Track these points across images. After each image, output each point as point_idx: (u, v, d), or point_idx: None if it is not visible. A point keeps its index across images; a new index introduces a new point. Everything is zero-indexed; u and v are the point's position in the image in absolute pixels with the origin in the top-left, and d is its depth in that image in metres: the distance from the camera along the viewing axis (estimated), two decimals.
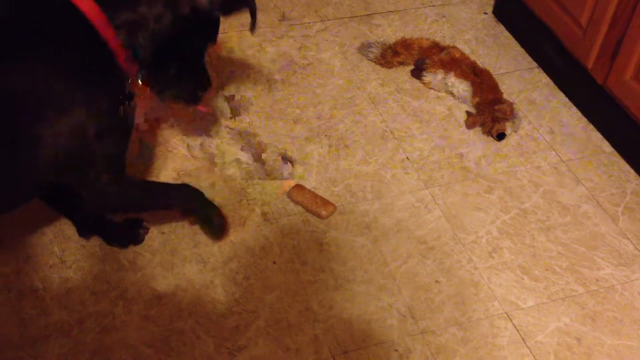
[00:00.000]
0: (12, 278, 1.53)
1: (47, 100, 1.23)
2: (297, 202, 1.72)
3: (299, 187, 1.74)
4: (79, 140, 1.28)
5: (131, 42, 1.32)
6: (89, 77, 1.29)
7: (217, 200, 1.71)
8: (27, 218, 1.63)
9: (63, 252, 1.59)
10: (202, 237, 1.64)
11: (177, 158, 1.82)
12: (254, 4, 1.48)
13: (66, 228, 1.63)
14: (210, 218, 1.61)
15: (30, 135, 1.22)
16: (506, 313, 1.56)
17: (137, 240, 1.62)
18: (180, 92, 1.53)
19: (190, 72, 1.51)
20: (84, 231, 1.62)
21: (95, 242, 1.61)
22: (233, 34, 2.20)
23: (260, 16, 2.27)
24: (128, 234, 1.62)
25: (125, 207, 1.55)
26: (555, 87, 2.14)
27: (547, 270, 1.65)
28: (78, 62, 1.27)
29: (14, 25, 1.23)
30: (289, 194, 1.73)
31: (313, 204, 1.71)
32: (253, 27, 1.50)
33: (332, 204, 1.72)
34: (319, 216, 1.70)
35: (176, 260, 1.60)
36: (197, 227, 1.65)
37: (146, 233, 1.64)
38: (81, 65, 1.28)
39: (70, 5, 1.25)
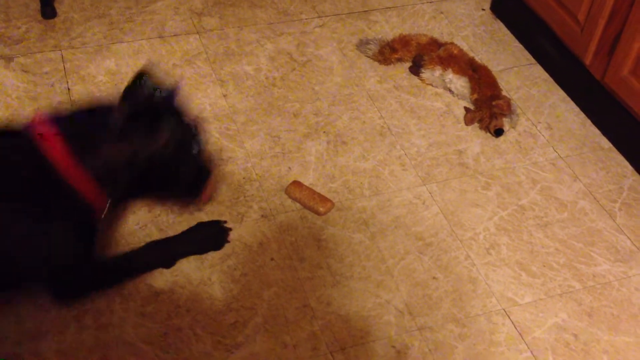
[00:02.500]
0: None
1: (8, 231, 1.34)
2: (294, 199, 1.72)
3: (296, 183, 1.74)
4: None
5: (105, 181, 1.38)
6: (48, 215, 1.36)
7: (215, 196, 1.71)
8: None
9: None
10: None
11: None
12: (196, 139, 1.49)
13: None
14: (205, 246, 1.62)
15: None
16: (504, 309, 1.56)
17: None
18: (179, 196, 1.57)
19: (184, 174, 1.51)
20: None
21: None
22: (230, 30, 2.20)
23: (258, 12, 2.28)
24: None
25: (95, 289, 1.53)
26: (554, 83, 2.14)
27: (544, 266, 1.65)
28: (39, 202, 1.35)
29: None
30: (286, 191, 1.73)
31: (311, 200, 1.71)
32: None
33: (330, 201, 1.72)
34: (317, 213, 1.70)
35: None
36: (195, 223, 1.65)
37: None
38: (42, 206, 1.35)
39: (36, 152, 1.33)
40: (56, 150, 1.33)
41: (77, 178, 1.35)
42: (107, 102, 1.43)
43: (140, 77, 1.39)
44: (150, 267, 1.56)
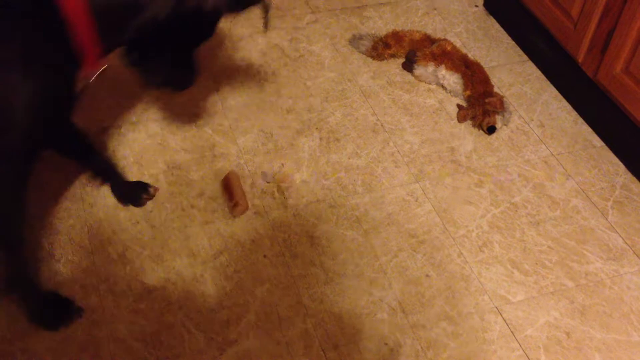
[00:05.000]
0: (0, 271, 1.51)
1: None
2: (222, 187, 1.71)
3: (233, 174, 1.72)
4: None
5: (112, 29, 1.16)
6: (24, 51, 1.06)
7: (208, 193, 1.71)
8: None
9: (52, 245, 1.58)
10: (192, 230, 1.64)
11: (167, 151, 1.81)
12: (267, 1, 1.38)
13: (55, 221, 1.62)
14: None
15: None
16: (496, 307, 1.56)
17: (138, 203, 1.67)
18: (167, 81, 1.50)
19: (180, 63, 1.45)
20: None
21: (84, 236, 1.60)
22: (222, 24, 2.18)
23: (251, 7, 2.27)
24: (131, 195, 1.67)
25: None
26: (546, 80, 2.14)
27: (537, 264, 1.65)
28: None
29: None
30: (224, 178, 1.72)
31: (231, 196, 1.67)
32: (266, 25, 1.42)
33: (243, 205, 1.67)
34: (230, 211, 1.67)
35: (166, 253, 1.59)
36: (187, 220, 1.65)
37: (149, 199, 1.68)
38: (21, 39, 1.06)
39: None
40: None
41: (76, 12, 1.07)
42: None
43: None
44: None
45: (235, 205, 1.67)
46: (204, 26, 1.37)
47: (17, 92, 1.07)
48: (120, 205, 1.66)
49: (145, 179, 1.73)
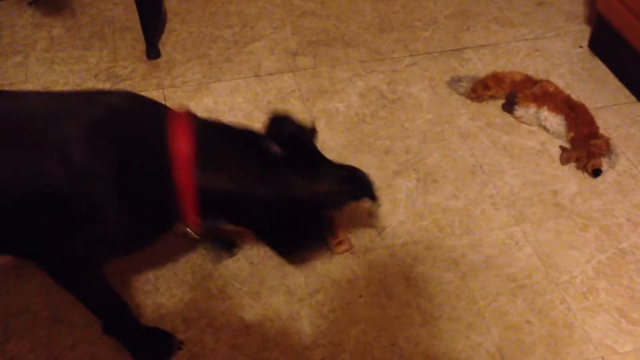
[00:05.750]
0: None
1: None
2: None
3: (337, 213, 1.71)
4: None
5: (211, 209, 1.24)
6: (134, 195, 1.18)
7: None
8: None
9: (157, 279, 1.65)
10: (290, 269, 1.66)
11: None
12: (374, 193, 1.37)
13: (160, 256, 1.69)
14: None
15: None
16: (602, 357, 1.49)
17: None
18: (290, 253, 1.54)
19: (302, 239, 1.42)
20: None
21: (187, 270, 1.66)
22: (322, 69, 2.24)
23: (350, 51, 2.32)
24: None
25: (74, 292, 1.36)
26: None
27: None
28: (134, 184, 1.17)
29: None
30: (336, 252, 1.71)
31: (335, 233, 1.68)
32: (371, 215, 1.47)
33: (347, 244, 1.68)
34: (332, 249, 1.68)
35: (264, 290, 1.62)
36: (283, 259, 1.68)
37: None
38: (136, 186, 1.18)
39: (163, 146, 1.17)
40: (182, 146, 1.16)
41: (184, 183, 1.18)
42: (252, 129, 1.30)
43: (282, 117, 1.29)
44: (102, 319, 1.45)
45: (340, 243, 1.68)
46: (312, 214, 1.34)
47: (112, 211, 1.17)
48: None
49: None
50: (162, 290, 1.62)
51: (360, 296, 1.61)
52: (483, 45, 2.35)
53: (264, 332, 1.54)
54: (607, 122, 2.05)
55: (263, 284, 1.64)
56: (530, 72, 2.18)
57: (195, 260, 1.68)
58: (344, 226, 1.72)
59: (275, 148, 1.21)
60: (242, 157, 1.22)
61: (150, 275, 1.65)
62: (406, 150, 1.97)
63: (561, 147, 1.96)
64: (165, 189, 1.19)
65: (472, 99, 2.13)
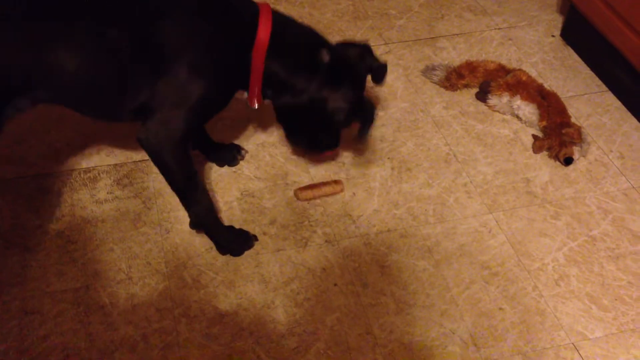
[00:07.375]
0: (81, 293, 1.58)
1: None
2: (310, 199, 1.78)
3: (302, 188, 1.80)
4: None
5: (270, 88, 1.58)
6: (220, 62, 1.49)
7: (280, 220, 1.73)
8: (96, 235, 1.69)
9: (130, 268, 1.63)
10: (264, 257, 1.66)
11: (241, 178, 1.85)
12: (372, 120, 1.65)
13: (133, 245, 1.68)
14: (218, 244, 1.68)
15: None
16: (573, 343, 1.51)
17: (233, 163, 1.87)
18: (310, 146, 1.73)
19: (322, 134, 1.69)
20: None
21: (161, 260, 1.65)
22: None
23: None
24: (227, 156, 1.86)
25: (161, 166, 1.54)
26: (626, 110, 2.08)
27: (616, 300, 1.59)
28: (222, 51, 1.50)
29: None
30: (298, 197, 1.79)
31: (326, 190, 1.79)
32: (363, 137, 1.68)
33: (339, 181, 1.81)
34: (339, 192, 1.80)
35: (238, 279, 1.62)
36: (259, 247, 1.68)
37: (242, 158, 1.88)
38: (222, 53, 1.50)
39: (252, 25, 1.51)
40: (263, 36, 1.50)
41: (257, 69, 1.52)
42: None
43: (360, 44, 1.64)
44: (191, 209, 1.63)
45: (336, 182, 1.80)
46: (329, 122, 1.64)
47: (200, 87, 1.47)
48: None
49: (220, 205, 1.77)
50: (135, 280, 1.61)
51: (335, 284, 1.61)
52: (457, 34, 2.35)
53: (239, 321, 1.54)
54: (578, 111, 2.07)
55: (237, 273, 1.63)
56: (504, 61, 2.20)
57: (169, 249, 1.67)
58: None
59: (325, 57, 1.56)
60: (298, 55, 1.57)
61: (123, 264, 1.64)
62: (380, 138, 1.97)
63: (534, 136, 1.97)
64: (245, 64, 1.53)
65: (446, 87, 2.13)
